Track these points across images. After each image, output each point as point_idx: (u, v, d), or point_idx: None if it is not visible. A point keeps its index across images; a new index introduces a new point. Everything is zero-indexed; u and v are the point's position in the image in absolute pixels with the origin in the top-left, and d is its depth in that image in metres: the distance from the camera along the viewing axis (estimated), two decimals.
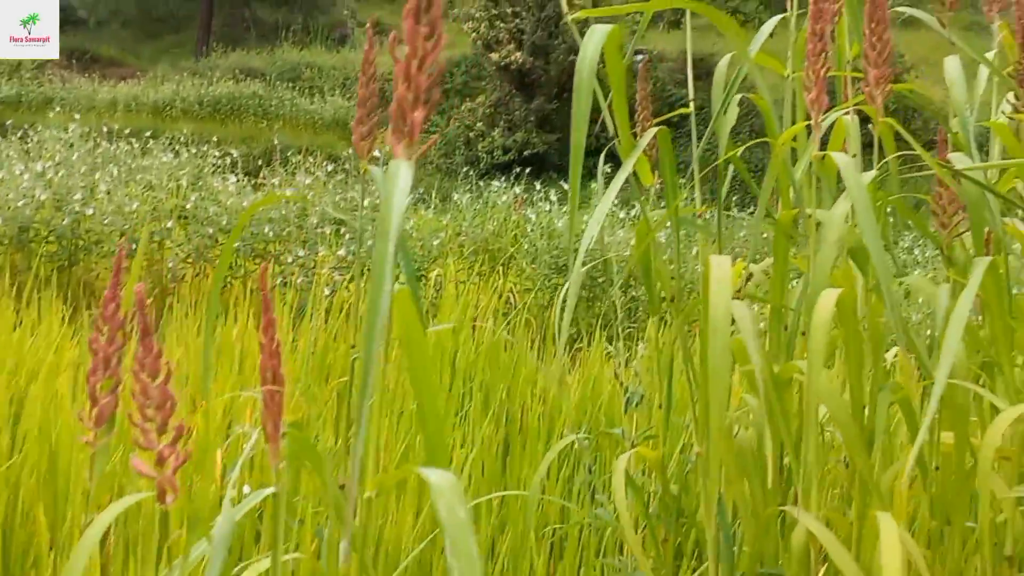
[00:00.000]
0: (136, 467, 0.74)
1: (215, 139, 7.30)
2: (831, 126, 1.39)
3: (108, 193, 5.00)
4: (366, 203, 5.19)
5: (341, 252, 4.87)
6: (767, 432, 1.28)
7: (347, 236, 5.33)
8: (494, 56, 16.49)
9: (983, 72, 1.53)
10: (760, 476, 1.35)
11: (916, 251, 7.04)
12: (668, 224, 1.45)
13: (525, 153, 15.86)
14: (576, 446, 1.72)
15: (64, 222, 4.56)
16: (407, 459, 2.03)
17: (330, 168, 6.98)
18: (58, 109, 8.94)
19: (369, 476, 0.92)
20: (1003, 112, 1.59)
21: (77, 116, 6.75)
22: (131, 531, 1.58)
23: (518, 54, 16.30)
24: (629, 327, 4.40)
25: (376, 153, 1.15)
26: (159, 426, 0.78)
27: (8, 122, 6.89)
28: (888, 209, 1.45)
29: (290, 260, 5.19)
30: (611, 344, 2.51)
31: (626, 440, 1.60)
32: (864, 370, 1.25)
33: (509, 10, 16.58)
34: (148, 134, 6.84)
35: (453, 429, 2.30)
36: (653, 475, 1.67)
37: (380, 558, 1.66)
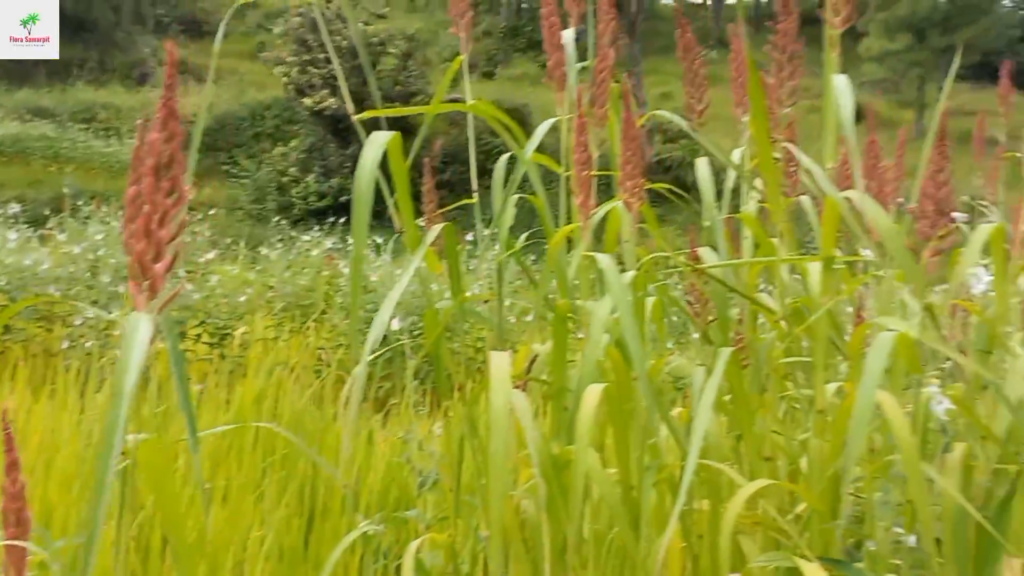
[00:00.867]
0: None
1: None
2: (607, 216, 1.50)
3: None
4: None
5: None
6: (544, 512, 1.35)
7: None
8: (307, 101, 16.27)
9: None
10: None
11: None
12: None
13: (341, 199, 15.71)
14: (371, 532, 1.71)
15: None
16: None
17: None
18: None
19: None
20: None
21: None
22: None
23: (332, 100, 16.18)
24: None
25: None
26: None
27: None
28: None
29: (79, 322, 4.83)
30: (418, 409, 2.52)
31: (421, 522, 1.62)
32: (632, 451, 1.35)
33: (322, 56, 16.48)
34: None
35: (254, 507, 2.22)
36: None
37: None
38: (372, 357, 1.30)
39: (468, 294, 1.57)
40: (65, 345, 4.54)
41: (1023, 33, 29.26)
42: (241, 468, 2.51)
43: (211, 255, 5.84)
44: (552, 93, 1.66)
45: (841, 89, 1.32)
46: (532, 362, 1.68)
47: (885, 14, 27.08)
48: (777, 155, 1.63)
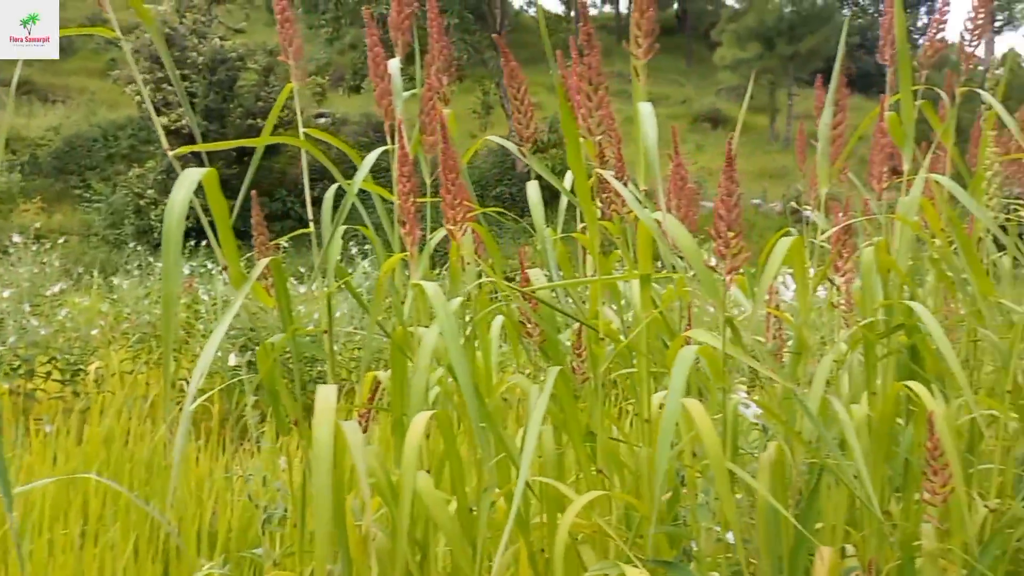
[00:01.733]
0: None
1: None
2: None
3: None
4: None
5: None
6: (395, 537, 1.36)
7: None
8: (162, 120, 15.64)
9: None
10: None
11: None
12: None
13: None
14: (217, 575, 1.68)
15: None
16: None
17: None
18: None
19: None
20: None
21: None
22: None
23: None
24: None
25: None
26: None
27: None
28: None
29: None
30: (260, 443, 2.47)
31: (267, 559, 1.59)
32: (469, 476, 1.38)
33: (177, 72, 15.88)
34: None
35: (101, 555, 2.12)
36: None
37: None
38: (214, 390, 1.28)
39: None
40: None
41: (861, 40, 31.49)
42: (87, 516, 2.40)
43: (58, 287, 5.51)
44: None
45: (645, 117, 1.39)
46: (375, 391, 1.69)
47: (736, 24, 28.54)
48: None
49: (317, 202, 1.59)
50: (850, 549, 1.74)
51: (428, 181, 1.72)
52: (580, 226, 1.67)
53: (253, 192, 1.60)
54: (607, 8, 41.62)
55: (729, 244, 1.19)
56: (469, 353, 1.44)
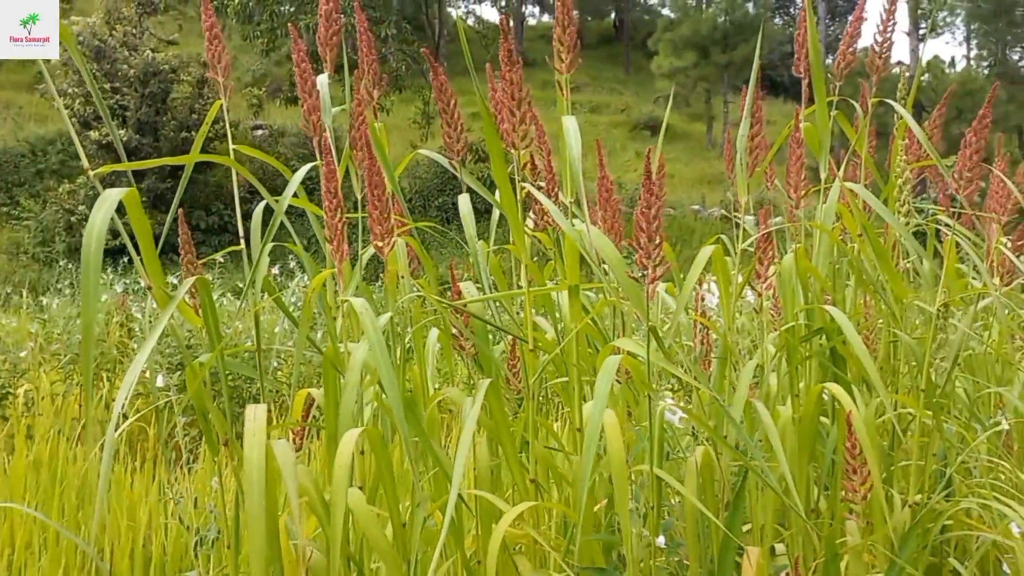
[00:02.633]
0: None
1: None
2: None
3: None
4: None
5: None
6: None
7: None
8: (93, 134, 15.24)
9: None
10: None
11: None
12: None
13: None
14: None
15: None
16: None
17: None
18: None
19: None
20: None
21: None
22: None
23: (122, 132, 15.26)
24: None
25: None
26: None
27: None
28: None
29: None
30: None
31: None
32: (401, 491, 1.38)
33: (108, 86, 15.51)
34: None
35: None
36: None
37: None
38: (143, 412, 1.26)
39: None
40: None
41: (792, 49, 32.31)
42: (14, 546, 2.32)
43: None
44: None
45: (570, 131, 1.42)
46: (309, 408, 1.68)
47: (672, 33, 29.04)
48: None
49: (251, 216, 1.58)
50: (781, 548, 1.79)
51: (360, 196, 1.73)
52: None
53: (180, 210, 1.58)
54: (546, 18, 41.99)
55: (650, 255, 1.22)
56: (410, 367, 1.44)
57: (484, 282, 1.64)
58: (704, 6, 31.54)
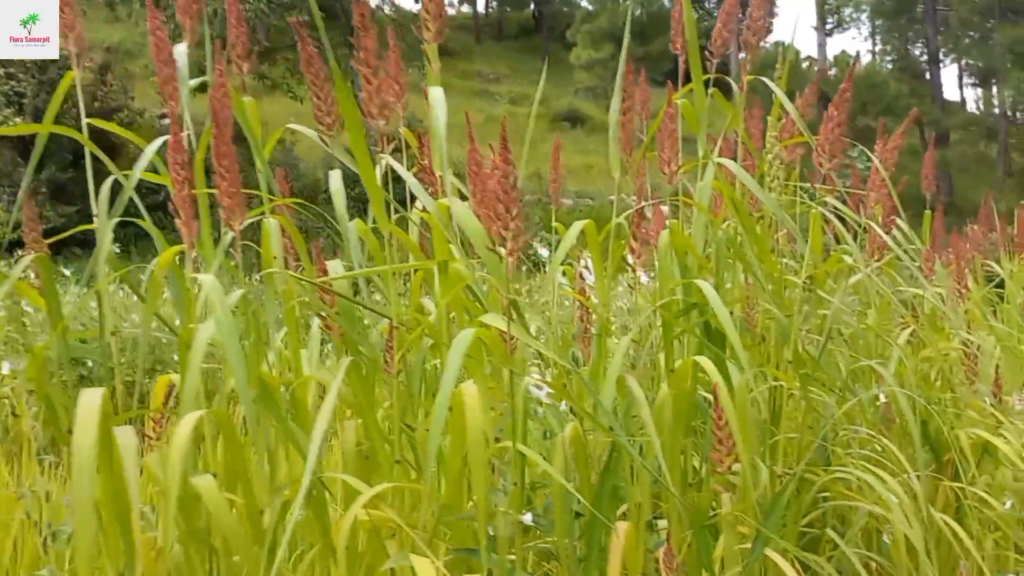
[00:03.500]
0: None
1: None
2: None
3: None
4: None
5: None
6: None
7: None
8: None
9: None
10: None
11: None
12: None
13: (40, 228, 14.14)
14: None
15: None
16: None
17: None
18: None
19: None
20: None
21: None
22: None
23: (19, 119, 14.52)
24: None
25: None
26: None
27: None
28: None
29: None
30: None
31: None
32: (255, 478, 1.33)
33: (2, 71, 14.74)
34: None
35: None
36: None
37: None
38: None
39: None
40: None
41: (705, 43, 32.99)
42: None
43: None
44: (294, 103, 1.61)
45: (435, 101, 1.38)
46: (169, 394, 1.60)
47: (589, 25, 29.30)
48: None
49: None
50: (664, 524, 1.79)
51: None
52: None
53: (25, 189, 1.48)
54: (465, 8, 41.78)
55: (507, 225, 1.19)
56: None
57: (355, 261, 1.58)
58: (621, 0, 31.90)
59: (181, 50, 1.61)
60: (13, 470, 2.58)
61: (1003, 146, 28.17)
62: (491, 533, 1.33)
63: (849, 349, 2.24)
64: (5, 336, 4.90)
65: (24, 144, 14.75)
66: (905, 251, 2.46)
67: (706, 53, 1.88)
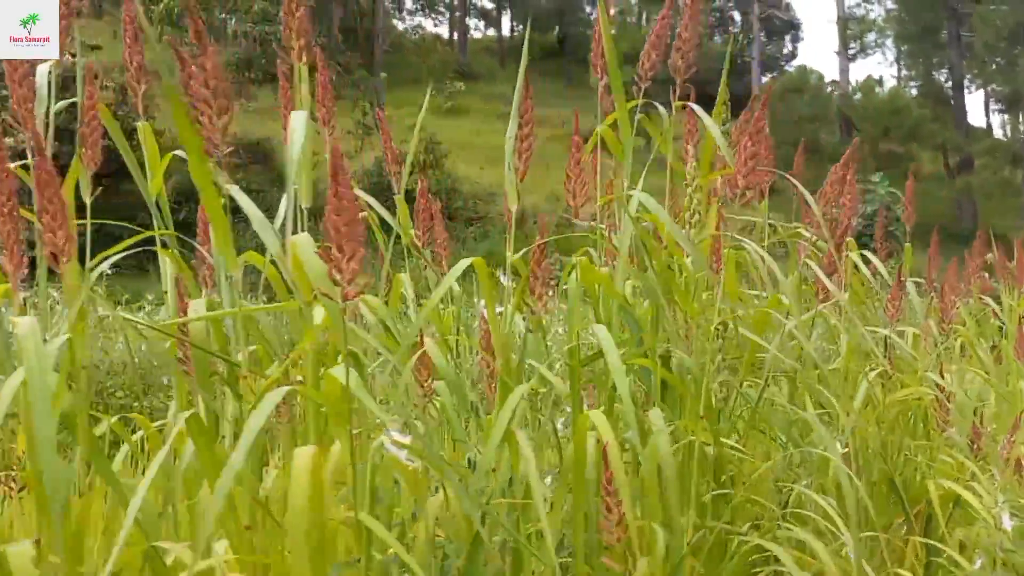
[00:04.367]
0: None
1: None
2: None
3: None
4: None
5: None
6: None
7: None
8: (9, 140, 14.61)
9: None
10: None
11: None
12: None
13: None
14: None
15: None
16: None
17: None
18: None
19: None
20: None
21: None
22: None
23: (9, 140, 14.69)
24: None
25: None
26: None
27: None
28: None
29: None
30: None
31: None
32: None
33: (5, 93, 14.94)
34: None
35: None
36: None
37: None
38: None
39: None
40: None
41: (729, 66, 32.82)
42: None
43: None
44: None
45: (295, 127, 1.25)
46: None
47: None
48: None
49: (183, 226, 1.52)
50: None
51: (88, 201, 1.58)
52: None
53: None
54: (491, 32, 42.04)
55: (341, 268, 1.05)
56: None
57: (224, 299, 1.45)
58: (643, 23, 31.90)
59: (42, 71, 1.50)
60: None
61: None
62: None
63: (810, 396, 2.07)
64: None
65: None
66: (873, 289, 2.29)
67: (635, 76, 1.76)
